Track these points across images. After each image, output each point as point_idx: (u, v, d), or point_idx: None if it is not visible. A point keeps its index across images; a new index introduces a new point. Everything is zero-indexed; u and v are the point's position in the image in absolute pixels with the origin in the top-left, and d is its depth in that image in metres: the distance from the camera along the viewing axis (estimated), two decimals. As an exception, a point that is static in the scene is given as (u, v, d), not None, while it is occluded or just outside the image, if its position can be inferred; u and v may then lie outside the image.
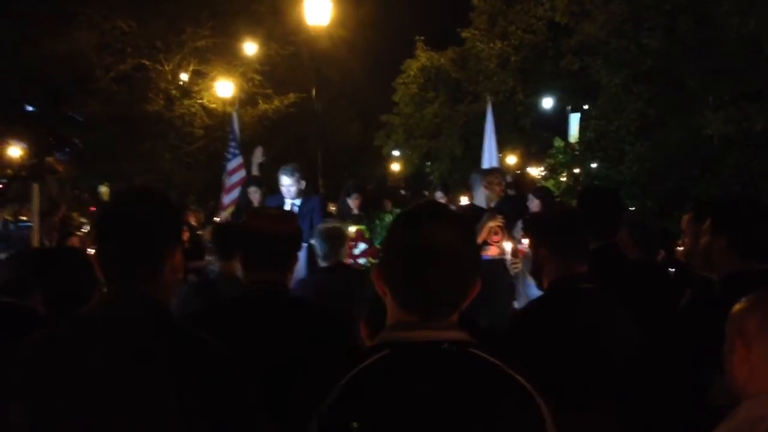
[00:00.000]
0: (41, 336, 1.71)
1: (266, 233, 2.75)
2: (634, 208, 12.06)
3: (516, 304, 6.12)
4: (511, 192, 9.02)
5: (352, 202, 7.59)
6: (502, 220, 5.75)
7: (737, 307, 1.78)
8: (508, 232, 5.73)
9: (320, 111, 13.89)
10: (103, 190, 25.35)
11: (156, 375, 1.63)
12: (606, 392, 2.56)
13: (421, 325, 1.64)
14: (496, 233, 5.75)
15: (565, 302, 2.74)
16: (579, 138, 17.23)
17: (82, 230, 9.18)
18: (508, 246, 5.53)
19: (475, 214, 6.77)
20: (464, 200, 7.83)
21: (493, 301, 5.50)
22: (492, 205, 6.08)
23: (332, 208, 9.38)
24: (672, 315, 2.94)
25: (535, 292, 5.91)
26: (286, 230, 2.83)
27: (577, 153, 16.44)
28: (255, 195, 8.01)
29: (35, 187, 5.22)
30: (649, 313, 2.92)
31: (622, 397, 2.57)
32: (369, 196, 8.50)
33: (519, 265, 5.48)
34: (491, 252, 5.60)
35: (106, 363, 1.63)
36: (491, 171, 6.21)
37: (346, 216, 7.13)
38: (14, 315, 2.65)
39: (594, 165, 15.65)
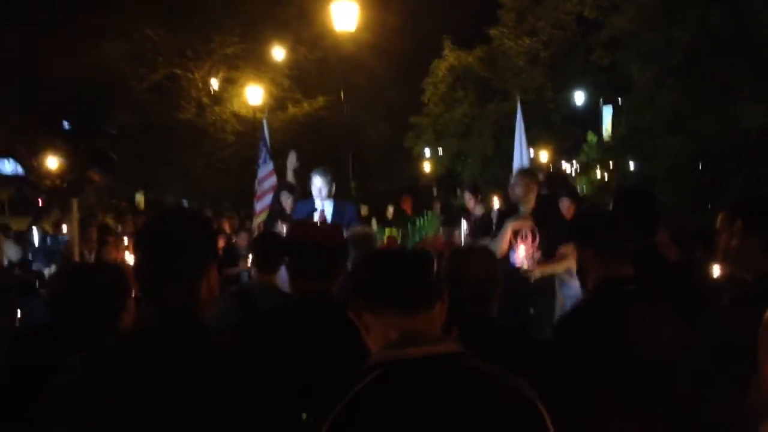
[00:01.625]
0: (82, 357, 1.75)
1: (316, 243, 2.79)
2: (669, 205, 11.89)
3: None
4: (543, 192, 8.96)
5: (405, 205, 7.66)
6: (527, 223, 5.70)
7: None
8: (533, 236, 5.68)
9: (349, 114, 13.96)
10: (140, 198, 25.78)
11: (193, 393, 1.66)
12: (651, 394, 2.55)
13: (412, 341, 1.66)
14: (524, 237, 5.70)
15: (610, 304, 2.73)
16: (611, 133, 17.06)
17: (118, 237, 9.33)
18: (521, 251, 5.48)
19: (488, 220, 6.74)
20: (495, 200, 7.78)
21: (530, 307, 5.49)
22: (523, 208, 6.02)
23: (367, 212, 9.44)
24: (713, 316, 2.91)
25: (570, 292, 5.88)
26: (335, 241, 2.87)
27: (609, 148, 16.29)
28: (287, 201, 8.07)
29: (74, 201, 5.33)
30: (688, 315, 2.89)
31: (665, 400, 2.55)
32: (419, 198, 8.55)
33: (536, 274, 5.43)
34: (517, 257, 5.55)
35: (146, 380, 1.66)
36: (522, 173, 6.14)
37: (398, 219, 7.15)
38: (58, 331, 2.71)
39: (628, 161, 15.48)
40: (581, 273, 2.91)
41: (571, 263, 5.62)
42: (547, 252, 5.67)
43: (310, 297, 2.72)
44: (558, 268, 5.67)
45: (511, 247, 5.62)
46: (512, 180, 6.00)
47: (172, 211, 1.97)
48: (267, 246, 4.61)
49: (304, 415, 2.20)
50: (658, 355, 2.60)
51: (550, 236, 5.66)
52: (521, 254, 5.42)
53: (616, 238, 2.81)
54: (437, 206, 8.52)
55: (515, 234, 5.88)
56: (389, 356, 1.67)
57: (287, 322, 2.72)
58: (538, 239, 5.71)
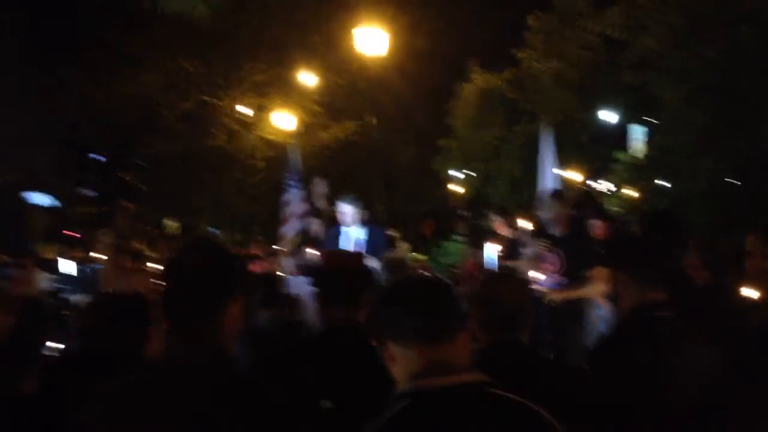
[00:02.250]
0: (112, 388, 1.78)
1: (339, 271, 2.85)
2: (702, 225, 11.70)
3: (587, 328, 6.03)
4: (572, 212, 8.89)
5: (425, 229, 7.70)
6: (543, 247, 5.68)
7: None
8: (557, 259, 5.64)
9: (378, 138, 14.04)
10: (171, 224, 26.06)
11: (213, 427, 1.67)
12: (684, 421, 2.51)
13: (438, 371, 1.67)
14: (551, 262, 5.68)
15: (644, 331, 2.71)
16: (645, 154, 16.88)
17: (149, 264, 9.42)
18: (539, 277, 5.45)
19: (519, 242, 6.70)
20: (522, 223, 7.76)
21: (562, 332, 5.43)
22: (554, 231, 5.99)
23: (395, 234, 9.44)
24: (742, 341, 2.86)
25: (602, 313, 5.80)
26: (357, 267, 2.93)
27: (640, 167, 16.10)
28: (315, 226, 8.12)
29: (106, 232, 5.43)
30: (721, 340, 2.85)
31: (700, 427, 2.51)
32: (441, 221, 8.54)
33: (556, 299, 5.38)
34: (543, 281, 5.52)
35: (171, 414, 1.68)
36: (551, 196, 6.11)
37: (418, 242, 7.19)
38: (87, 361, 2.76)
39: (660, 181, 15.28)
40: (615, 297, 2.88)
41: (598, 288, 5.58)
42: (572, 276, 5.63)
43: (338, 324, 2.75)
44: (582, 293, 5.60)
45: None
46: (540, 203, 6.00)
47: (198, 244, 2.01)
48: (269, 286, 4.73)
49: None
50: (693, 382, 2.56)
51: (577, 260, 5.62)
52: (540, 279, 5.41)
53: (652, 262, 2.79)
54: (460, 227, 8.50)
55: (537, 259, 5.87)
56: (416, 386, 1.68)
57: (317, 350, 2.75)
58: (561, 264, 5.68)
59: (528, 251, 6.29)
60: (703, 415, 2.50)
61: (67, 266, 9.09)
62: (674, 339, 2.65)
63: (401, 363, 1.76)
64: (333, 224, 7.30)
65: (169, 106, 19.77)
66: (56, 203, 21.15)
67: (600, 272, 5.44)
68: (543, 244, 5.90)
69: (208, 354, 1.77)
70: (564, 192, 8.75)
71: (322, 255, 3.17)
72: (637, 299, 2.75)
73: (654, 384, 2.53)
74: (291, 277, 8.29)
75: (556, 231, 5.94)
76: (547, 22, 20.23)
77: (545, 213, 5.96)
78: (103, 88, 18.20)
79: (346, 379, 2.59)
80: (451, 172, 24.09)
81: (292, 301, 6.99)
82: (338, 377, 2.60)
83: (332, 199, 8.12)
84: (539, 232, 6.28)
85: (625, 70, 15.86)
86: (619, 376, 2.55)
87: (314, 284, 2.95)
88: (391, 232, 9.18)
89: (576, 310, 5.68)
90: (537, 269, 5.81)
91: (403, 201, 24.10)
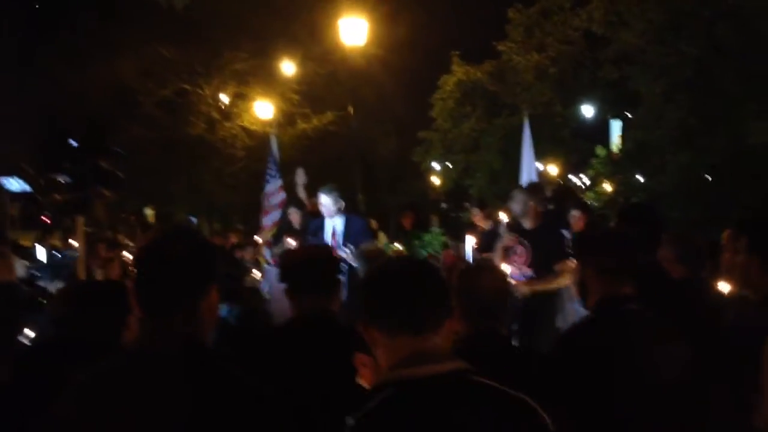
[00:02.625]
0: (87, 378, 1.77)
1: (304, 263, 2.85)
2: (677, 220, 11.85)
3: (563, 322, 6.10)
4: (550, 207, 8.96)
5: (405, 221, 7.73)
6: (511, 240, 5.75)
7: None
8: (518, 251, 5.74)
9: (357, 128, 14.03)
10: (149, 212, 25.89)
11: (195, 415, 1.67)
12: (653, 414, 2.53)
13: (420, 360, 1.68)
14: (519, 254, 5.77)
15: (611, 323, 2.73)
16: (620, 148, 17.03)
17: (125, 253, 9.36)
18: (507, 269, 5.51)
19: (495, 234, 6.77)
20: (502, 215, 7.80)
21: (533, 323, 5.49)
22: (527, 224, 6.04)
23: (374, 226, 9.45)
24: (716, 335, 2.89)
25: (580, 306, 5.87)
26: (323, 256, 2.93)
27: (618, 162, 16.25)
28: (295, 216, 8.11)
29: (80, 219, 5.37)
30: (694, 334, 2.88)
31: (668, 420, 2.54)
32: (421, 212, 8.56)
33: (524, 291, 5.46)
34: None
35: (147, 403, 1.67)
36: (521, 190, 6.16)
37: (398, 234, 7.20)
38: (61, 349, 2.73)
39: (636, 176, 15.43)
40: (582, 291, 2.89)
41: (566, 281, 5.67)
42: (541, 269, 5.70)
43: (307, 313, 2.75)
44: (550, 285, 5.68)
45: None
46: (511, 196, 6.05)
47: (172, 232, 1.98)
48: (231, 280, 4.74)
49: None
50: (660, 375, 2.59)
51: (546, 253, 5.70)
52: (507, 272, 5.45)
53: (619, 257, 2.80)
54: (435, 220, 8.55)
55: (506, 251, 5.95)
56: (398, 376, 1.68)
57: (288, 340, 2.75)
58: (529, 256, 5.76)
59: (498, 243, 6.38)
60: (670, 408, 2.53)
61: (43, 253, 9.00)
62: (641, 332, 2.67)
63: (384, 350, 1.76)
64: (313, 215, 7.29)
65: (146, 92, 19.59)
66: (29, 189, 20.92)
67: (567, 265, 5.54)
68: (511, 236, 5.97)
69: (181, 343, 1.75)
70: (540, 185, 8.82)
71: (283, 253, 3.20)
72: (604, 292, 2.77)
73: (620, 376, 2.54)
74: (270, 267, 8.28)
75: (527, 224, 6.00)
76: (528, 15, 20.30)
77: (516, 206, 6.01)
78: (79, 74, 17.98)
79: (312, 367, 2.59)
80: (432, 164, 24.13)
81: (255, 293, 7.03)
82: (305, 366, 2.60)
83: (311, 189, 8.11)
84: (512, 225, 6.34)
85: (605, 64, 15.97)
86: (585, 369, 2.57)
87: (282, 275, 2.95)
88: (373, 225, 9.20)
89: (545, 302, 5.74)
90: (506, 261, 5.90)
91: (382, 192, 24.13)
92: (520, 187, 6.29)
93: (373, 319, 1.78)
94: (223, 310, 4.80)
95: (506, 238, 6.01)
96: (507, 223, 7.27)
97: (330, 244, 6.37)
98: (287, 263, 2.99)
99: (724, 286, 3.88)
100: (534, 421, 1.69)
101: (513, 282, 5.51)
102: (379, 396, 1.66)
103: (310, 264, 2.86)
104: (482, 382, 1.71)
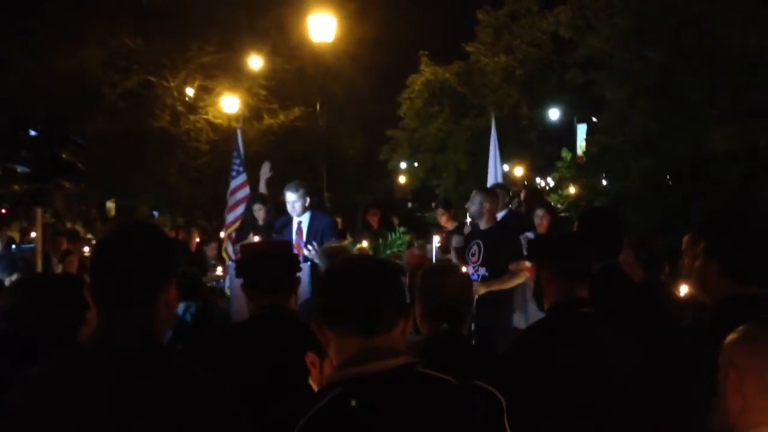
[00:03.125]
0: (38, 371, 1.73)
1: (261, 259, 2.83)
2: (638, 224, 12.03)
3: (525, 322, 6.18)
4: (512, 206, 9.05)
5: (372, 219, 7.71)
6: (460, 241, 5.91)
7: (730, 338, 1.77)
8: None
9: (325, 125, 14.00)
10: (110, 205, 25.49)
11: (150, 412, 1.64)
12: (604, 417, 2.55)
13: (369, 357, 1.68)
14: (474, 254, 5.89)
15: (565, 326, 2.76)
16: (585, 152, 17.24)
17: (85, 249, 9.20)
18: (463, 268, 5.61)
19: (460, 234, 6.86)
20: (468, 215, 7.85)
21: (488, 322, 5.54)
22: (482, 225, 6.13)
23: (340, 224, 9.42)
24: (673, 338, 2.93)
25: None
26: (280, 253, 2.92)
27: (582, 166, 16.46)
28: (260, 212, 8.04)
29: (39, 212, 5.25)
30: (651, 336, 2.91)
31: (619, 422, 2.56)
32: (387, 211, 8.56)
33: (479, 291, 5.54)
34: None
35: (99, 398, 1.65)
36: (478, 192, 6.26)
37: (364, 233, 7.18)
38: (12, 343, 2.67)
39: (600, 179, 15.63)
40: (539, 293, 2.92)
41: (520, 280, 5.79)
42: (494, 269, 5.80)
43: (264, 311, 2.74)
44: (505, 285, 5.78)
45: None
46: (471, 198, 6.14)
47: (129, 226, 1.93)
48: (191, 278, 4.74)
49: None
50: (612, 379, 2.62)
51: (499, 253, 5.80)
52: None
53: (573, 260, 2.84)
54: (395, 220, 8.56)
55: (462, 252, 6.07)
56: (347, 374, 1.67)
57: (243, 338, 2.74)
58: (480, 255, 5.86)
59: (453, 243, 6.45)
60: (622, 410, 2.55)
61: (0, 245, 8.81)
62: (594, 335, 2.70)
63: (335, 349, 1.74)
64: (278, 211, 7.23)
65: (110, 83, 19.29)
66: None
67: (522, 264, 5.63)
68: (459, 238, 6.08)
69: (136, 339, 1.72)
70: (502, 186, 8.89)
71: (241, 248, 3.17)
72: (559, 295, 2.80)
73: (572, 379, 2.57)
74: (232, 263, 8.19)
75: (482, 224, 6.10)
76: (497, 17, 20.44)
77: (472, 207, 6.11)
78: (41, 62, 17.63)
79: (268, 364, 2.58)
80: (399, 163, 24.19)
81: (212, 291, 6.98)
82: (260, 363, 2.59)
83: (277, 185, 8.05)
84: (473, 225, 6.45)
85: (572, 69, 16.14)
86: (537, 371, 2.59)
87: (239, 270, 2.93)
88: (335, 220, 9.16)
89: (500, 301, 5.83)
90: (461, 261, 5.99)
91: (349, 190, 24.11)
92: (477, 189, 6.37)
93: (325, 318, 1.76)
94: (180, 308, 4.74)
95: (454, 239, 6.12)
96: (471, 223, 7.35)
97: (295, 241, 6.32)
98: (244, 259, 2.97)
99: (683, 290, 3.94)
100: (484, 401, 1.69)
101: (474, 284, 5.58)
102: (327, 396, 1.65)
103: (267, 261, 2.85)
104: (428, 374, 1.70)
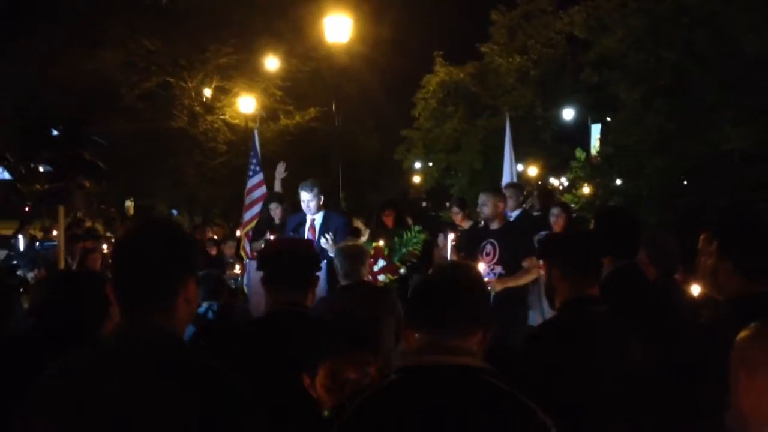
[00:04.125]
0: (61, 365, 1.77)
1: (283, 256, 2.88)
2: (652, 224, 11.99)
3: (542, 319, 6.22)
4: (527, 206, 9.06)
5: (386, 219, 7.77)
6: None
7: (741, 335, 1.79)
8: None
9: (340, 126, 14.04)
10: (129, 204, 25.69)
11: (165, 407, 1.67)
12: (616, 415, 2.57)
13: (434, 351, 1.75)
14: (488, 254, 5.97)
15: (577, 325, 2.75)
16: (599, 152, 17.18)
17: (105, 247, 9.30)
18: (480, 267, 5.69)
19: (475, 233, 6.94)
20: (483, 215, 7.89)
21: (505, 320, 5.60)
22: (494, 225, 6.21)
23: (359, 224, 9.47)
24: (687, 336, 2.95)
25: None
26: (303, 252, 2.96)
27: (597, 166, 16.39)
28: (276, 211, 8.09)
29: (61, 210, 5.33)
30: (665, 335, 2.94)
31: (631, 420, 2.59)
32: (401, 210, 8.59)
33: (496, 288, 5.62)
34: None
35: (119, 393, 1.67)
36: (490, 193, 6.34)
37: (380, 232, 7.23)
38: (39, 338, 2.73)
39: (614, 179, 15.58)
40: (550, 292, 2.94)
41: (533, 276, 5.86)
42: (510, 267, 5.87)
43: (282, 307, 2.79)
44: (520, 281, 5.87)
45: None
46: (480, 200, 6.20)
47: (148, 224, 1.97)
48: (215, 280, 4.85)
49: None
50: (625, 377, 2.64)
51: (514, 252, 5.87)
52: (480, 270, 5.62)
53: (583, 258, 2.85)
54: (410, 219, 8.60)
55: (472, 249, 6.16)
56: (407, 362, 1.80)
57: (261, 332, 2.79)
58: (497, 255, 5.93)
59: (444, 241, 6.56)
60: (632, 408, 2.58)
61: (22, 242, 8.92)
62: (604, 333, 2.71)
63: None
64: (294, 210, 7.28)
65: (129, 84, 19.44)
66: (8, 177, 20.63)
67: (532, 261, 5.73)
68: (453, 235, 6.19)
69: (157, 335, 1.75)
70: (519, 186, 8.91)
71: (266, 243, 3.24)
72: (569, 294, 2.80)
73: (581, 377, 2.58)
74: (250, 261, 8.27)
75: (494, 224, 6.18)
76: (511, 18, 20.40)
77: (485, 209, 6.18)
78: (61, 64, 17.80)
79: (283, 361, 2.62)
80: (414, 163, 24.20)
81: (233, 291, 7.08)
82: (276, 359, 2.63)
83: (292, 184, 8.10)
84: (483, 225, 6.52)
85: (586, 69, 16.09)
86: (547, 368, 2.61)
87: (261, 263, 2.98)
88: (358, 223, 9.22)
89: (516, 299, 5.90)
90: (470, 257, 6.07)
91: (364, 189, 24.15)
92: (489, 190, 6.46)
93: (407, 319, 1.91)
94: (202, 306, 4.83)
95: (451, 235, 6.26)
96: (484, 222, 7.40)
97: (308, 238, 6.38)
98: (268, 253, 3.02)
99: (696, 288, 3.96)
100: (533, 424, 1.73)
101: (486, 280, 5.64)
102: (386, 381, 1.74)
103: (289, 257, 2.90)
104: (489, 381, 1.76)
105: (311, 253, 3.06)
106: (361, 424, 1.73)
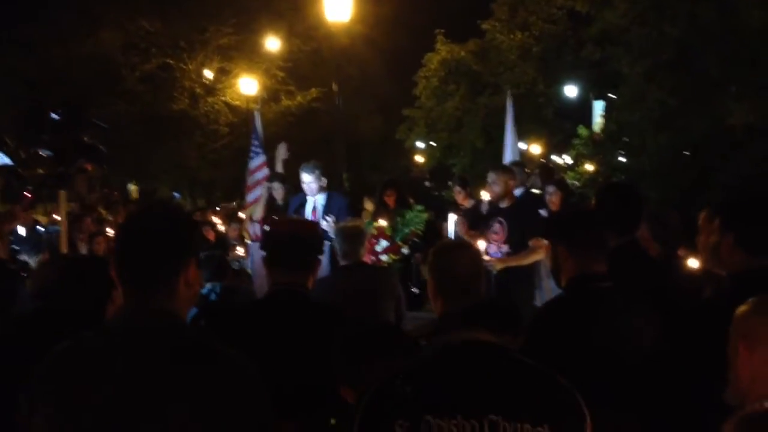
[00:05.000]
0: (65, 346, 1.80)
1: (287, 237, 2.89)
2: (656, 200, 11.97)
3: (540, 299, 6.25)
4: (528, 184, 9.06)
5: (388, 199, 7.79)
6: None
7: (740, 310, 1.81)
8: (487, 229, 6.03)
9: (342, 106, 13.99)
10: (132, 188, 25.72)
11: (170, 387, 1.69)
12: (623, 391, 2.58)
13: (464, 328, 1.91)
14: (497, 232, 5.98)
15: (582, 302, 2.77)
16: (602, 128, 17.09)
17: (108, 230, 9.31)
18: (482, 245, 5.71)
19: (477, 212, 6.95)
20: (484, 194, 7.88)
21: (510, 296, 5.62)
22: (503, 203, 6.22)
23: (368, 205, 9.48)
24: (690, 312, 2.96)
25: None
26: (308, 234, 2.96)
27: (599, 142, 16.31)
28: (279, 191, 8.10)
29: (62, 194, 5.34)
30: (669, 311, 2.94)
31: (639, 396, 2.60)
32: (403, 190, 8.60)
33: (498, 266, 5.64)
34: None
35: (123, 375, 1.70)
36: (500, 171, 6.34)
37: (381, 212, 7.26)
38: (42, 321, 2.75)
39: (617, 156, 15.52)
40: (556, 270, 2.95)
41: (538, 257, 5.87)
42: (517, 246, 5.88)
43: (282, 288, 2.80)
44: (523, 261, 5.87)
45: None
46: (490, 178, 6.19)
47: (150, 208, 1.99)
48: (218, 261, 4.87)
49: (332, 420, 2.29)
50: (632, 353, 2.65)
51: (521, 230, 5.88)
52: (481, 248, 5.67)
53: (590, 236, 2.85)
54: (411, 199, 8.63)
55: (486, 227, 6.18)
56: (442, 340, 1.97)
57: (259, 313, 2.81)
58: (505, 234, 5.94)
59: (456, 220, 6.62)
60: (640, 384, 2.59)
61: (23, 228, 8.93)
62: (611, 310, 2.72)
63: None
64: (296, 191, 7.30)
65: (129, 66, 19.40)
66: (9, 162, 20.62)
67: (541, 242, 5.72)
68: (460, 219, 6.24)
69: (159, 317, 1.78)
70: (522, 164, 8.91)
71: (271, 222, 3.25)
72: (575, 271, 2.81)
73: (590, 354, 2.60)
74: (253, 243, 8.30)
75: (504, 203, 6.18)
76: (513, -7, 20.25)
77: (496, 188, 6.18)
78: (61, 47, 17.76)
79: (283, 341, 2.64)
80: (416, 142, 24.14)
81: (237, 274, 7.10)
82: (276, 338, 2.65)
83: (294, 165, 8.10)
84: (492, 203, 6.52)
85: (588, 44, 15.97)
86: (555, 346, 2.62)
87: (264, 244, 3.00)
88: (367, 203, 9.22)
89: (521, 278, 5.91)
90: (485, 239, 6.08)
91: (366, 170, 24.13)
92: (499, 168, 6.44)
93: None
94: (206, 287, 4.85)
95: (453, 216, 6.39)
96: (488, 201, 7.40)
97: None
98: (272, 235, 3.03)
99: (698, 264, 3.96)
100: (567, 394, 1.88)
101: (488, 258, 5.66)
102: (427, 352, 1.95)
103: (291, 239, 2.91)
104: (518, 357, 1.93)
105: (315, 235, 3.07)
106: (397, 395, 1.81)
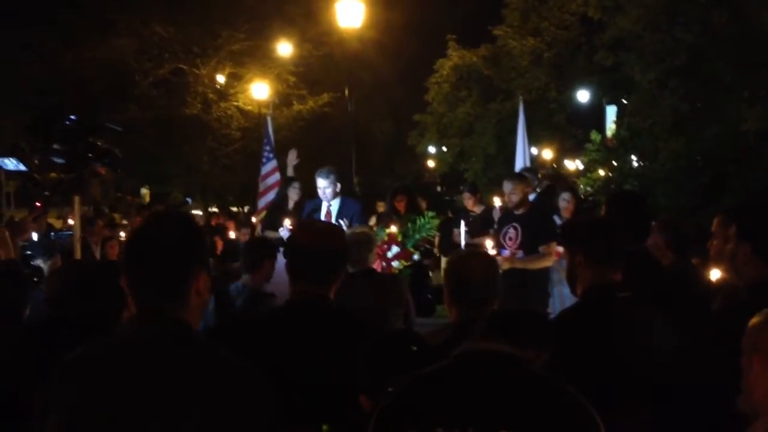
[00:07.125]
0: (78, 354, 1.80)
1: (310, 248, 2.78)
2: (668, 206, 11.92)
3: (553, 306, 6.24)
4: (539, 190, 9.04)
5: (398, 204, 7.79)
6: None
7: (754, 321, 1.78)
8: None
9: (353, 111, 14.02)
10: (145, 192, 25.85)
11: (181, 396, 1.69)
12: (641, 401, 2.55)
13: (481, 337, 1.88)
14: (511, 238, 6.01)
15: (600, 311, 2.72)
16: (614, 134, 17.03)
17: (122, 234, 9.36)
18: (489, 244, 5.76)
19: (489, 217, 6.97)
20: (496, 200, 7.87)
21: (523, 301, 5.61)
22: (518, 210, 6.26)
23: (381, 208, 9.49)
24: (703, 321, 2.93)
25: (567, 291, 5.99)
26: (334, 245, 2.84)
27: (612, 148, 16.26)
28: (294, 194, 8.09)
29: (76, 200, 5.36)
30: (682, 320, 2.92)
31: (656, 406, 2.58)
32: (414, 196, 8.60)
33: (504, 266, 5.67)
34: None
35: (136, 383, 1.70)
36: (517, 180, 6.37)
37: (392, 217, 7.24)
38: (56, 328, 2.76)
39: (630, 162, 15.46)
40: (572, 279, 2.91)
41: (548, 263, 5.90)
42: (531, 252, 5.93)
43: (303, 297, 2.73)
44: (529, 265, 5.90)
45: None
46: (506, 188, 6.22)
47: (161, 215, 1.99)
48: (254, 249, 4.77)
49: (325, 427, 2.28)
50: (649, 363, 2.62)
51: (536, 237, 5.92)
52: (489, 246, 5.73)
53: (607, 244, 2.82)
54: (423, 204, 8.64)
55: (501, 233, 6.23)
56: (463, 348, 1.90)
57: (281, 324, 2.76)
58: (521, 239, 5.98)
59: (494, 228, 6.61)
60: (656, 394, 2.57)
61: (35, 234, 8.96)
62: (629, 320, 2.67)
63: None
64: (310, 196, 7.30)
65: (142, 72, 19.51)
66: (23, 168, 20.77)
67: (551, 248, 5.80)
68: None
69: (171, 325, 1.78)
70: (534, 170, 8.90)
71: (296, 229, 3.12)
72: (593, 280, 2.76)
73: (607, 364, 2.56)
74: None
75: (519, 209, 6.22)
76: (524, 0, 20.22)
77: (514, 197, 6.23)
78: (74, 52, 17.89)
79: (307, 353, 2.61)
80: (428, 148, 24.14)
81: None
82: (294, 349, 2.62)
83: (307, 171, 8.12)
84: (504, 209, 6.55)
85: (601, 50, 15.93)
86: (572, 355, 2.59)
87: (287, 252, 2.90)
88: (380, 208, 9.22)
89: (534, 285, 5.93)
90: (499, 244, 6.11)
91: (377, 175, 24.13)
92: (516, 177, 6.48)
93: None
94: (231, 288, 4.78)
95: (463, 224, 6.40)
96: (500, 207, 7.40)
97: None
98: (297, 244, 2.86)
99: (713, 273, 3.92)
100: (585, 416, 1.80)
101: (495, 254, 5.71)
102: (442, 363, 1.87)
103: (320, 253, 2.75)
104: (532, 371, 1.87)
105: (342, 243, 2.93)
106: (410, 404, 1.81)
